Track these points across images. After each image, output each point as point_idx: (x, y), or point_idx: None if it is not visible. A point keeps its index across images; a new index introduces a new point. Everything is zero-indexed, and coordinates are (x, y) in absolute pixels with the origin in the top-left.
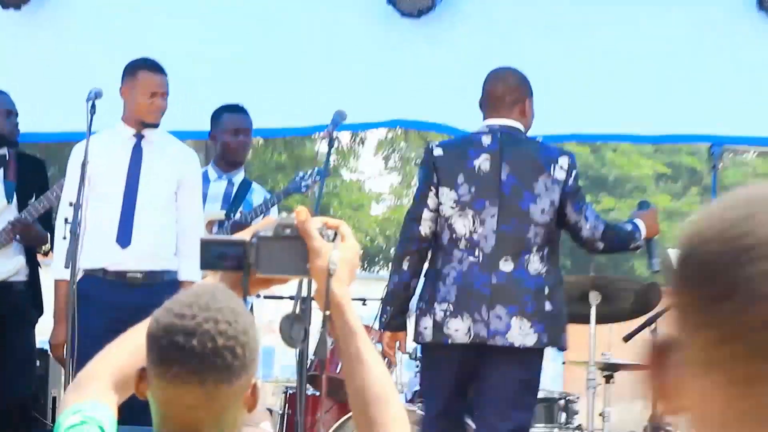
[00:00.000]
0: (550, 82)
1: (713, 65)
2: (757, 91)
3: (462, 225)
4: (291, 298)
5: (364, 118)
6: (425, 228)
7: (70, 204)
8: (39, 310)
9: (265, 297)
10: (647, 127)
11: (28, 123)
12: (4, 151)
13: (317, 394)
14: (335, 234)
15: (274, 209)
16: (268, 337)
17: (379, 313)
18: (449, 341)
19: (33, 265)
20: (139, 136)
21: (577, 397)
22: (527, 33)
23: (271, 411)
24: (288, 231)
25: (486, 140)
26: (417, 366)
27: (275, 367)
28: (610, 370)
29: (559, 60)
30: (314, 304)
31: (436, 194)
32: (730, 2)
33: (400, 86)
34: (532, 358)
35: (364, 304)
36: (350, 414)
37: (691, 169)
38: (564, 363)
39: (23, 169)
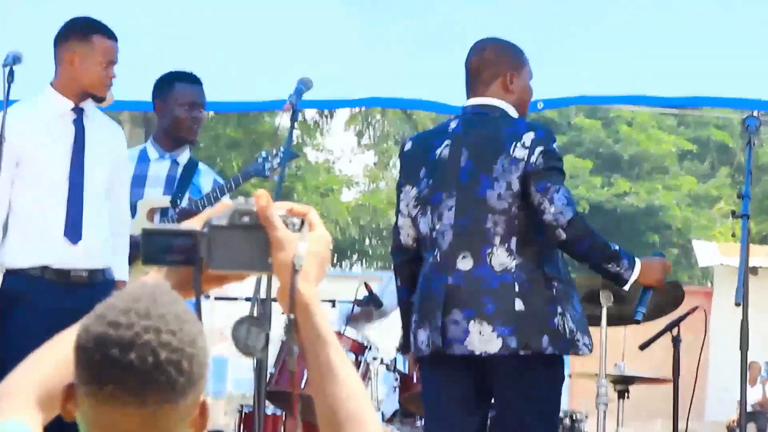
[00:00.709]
0: (550, 39)
1: (749, 13)
2: None
3: (424, 223)
4: (248, 299)
5: (333, 94)
6: (404, 236)
7: None
8: None
9: (217, 298)
10: (667, 89)
11: None
12: None
13: (279, 413)
14: (302, 222)
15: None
16: (220, 346)
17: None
18: (420, 354)
19: None
20: (79, 110)
21: (586, 416)
22: None
23: None
24: (246, 219)
25: (453, 125)
26: (396, 380)
27: (228, 382)
28: (623, 383)
29: (560, 15)
30: (276, 306)
31: (405, 195)
32: None
33: (376, 58)
34: (525, 367)
35: (333, 306)
36: None
37: (722, 146)
38: (570, 375)
39: None
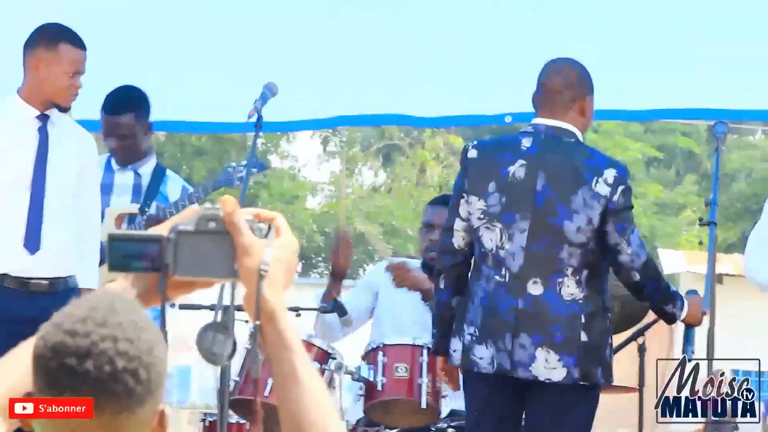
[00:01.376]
0: (519, 54)
1: (715, 26)
2: None
3: (489, 239)
4: (211, 308)
5: (298, 115)
6: (458, 240)
7: None
8: None
9: (181, 307)
10: (636, 102)
11: None
12: None
13: (243, 422)
14: (269, 228)
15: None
16: (185, 356)
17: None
18: (475, 369)
19: None
20: (44, 118)
21: None
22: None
23: None
24: (212, 224)
25: (526, 143)
26: (361, 388)
27: (192, 391)
28: None
29: (527, 24)
30: (240, 314)
31: (467, 202)
32: None
33: (343, 76)
34: (571, 395)
35: (298, 315)
36: None
37: (687, 153)
38: None
39: None
